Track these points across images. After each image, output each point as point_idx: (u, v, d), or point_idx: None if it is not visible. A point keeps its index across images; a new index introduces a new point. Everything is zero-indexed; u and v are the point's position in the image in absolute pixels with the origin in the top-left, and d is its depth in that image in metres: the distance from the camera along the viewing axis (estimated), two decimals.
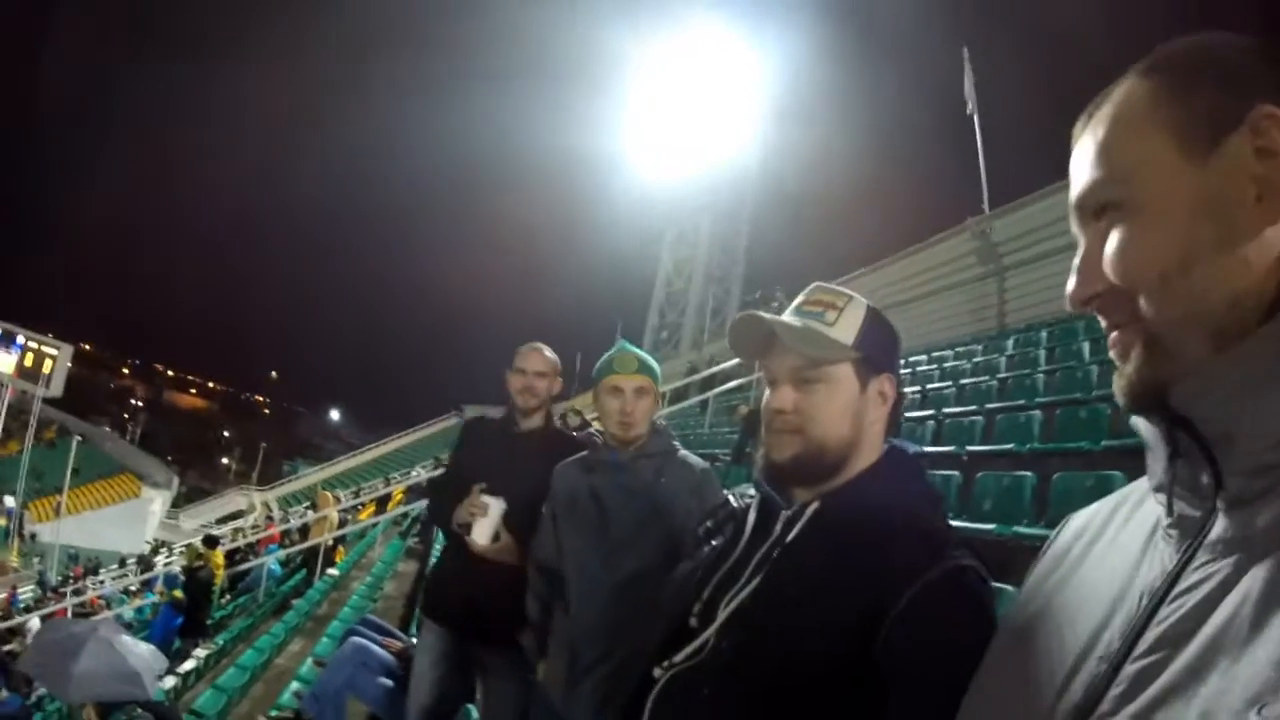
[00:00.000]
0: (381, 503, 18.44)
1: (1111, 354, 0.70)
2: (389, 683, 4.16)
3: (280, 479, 49.09)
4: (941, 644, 0.97)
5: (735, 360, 17.79)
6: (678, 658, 1.22)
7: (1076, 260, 0.71)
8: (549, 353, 3.12)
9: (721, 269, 41.51)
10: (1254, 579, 0.54)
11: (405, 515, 16.01)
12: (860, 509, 1.21)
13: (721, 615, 1.21)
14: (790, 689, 1.10)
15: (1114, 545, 0.76)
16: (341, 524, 14.13)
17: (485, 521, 2.69)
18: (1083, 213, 0.71)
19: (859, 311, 1.31)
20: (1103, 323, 0.71)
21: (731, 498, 1.48)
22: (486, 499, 2.74)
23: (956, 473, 5.97)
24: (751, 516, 1.34)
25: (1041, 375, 8.66)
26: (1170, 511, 0.67)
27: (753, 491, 1.40)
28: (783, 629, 1.14)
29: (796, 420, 1.26)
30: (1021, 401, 7.74)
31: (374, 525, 16.17)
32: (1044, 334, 11.62)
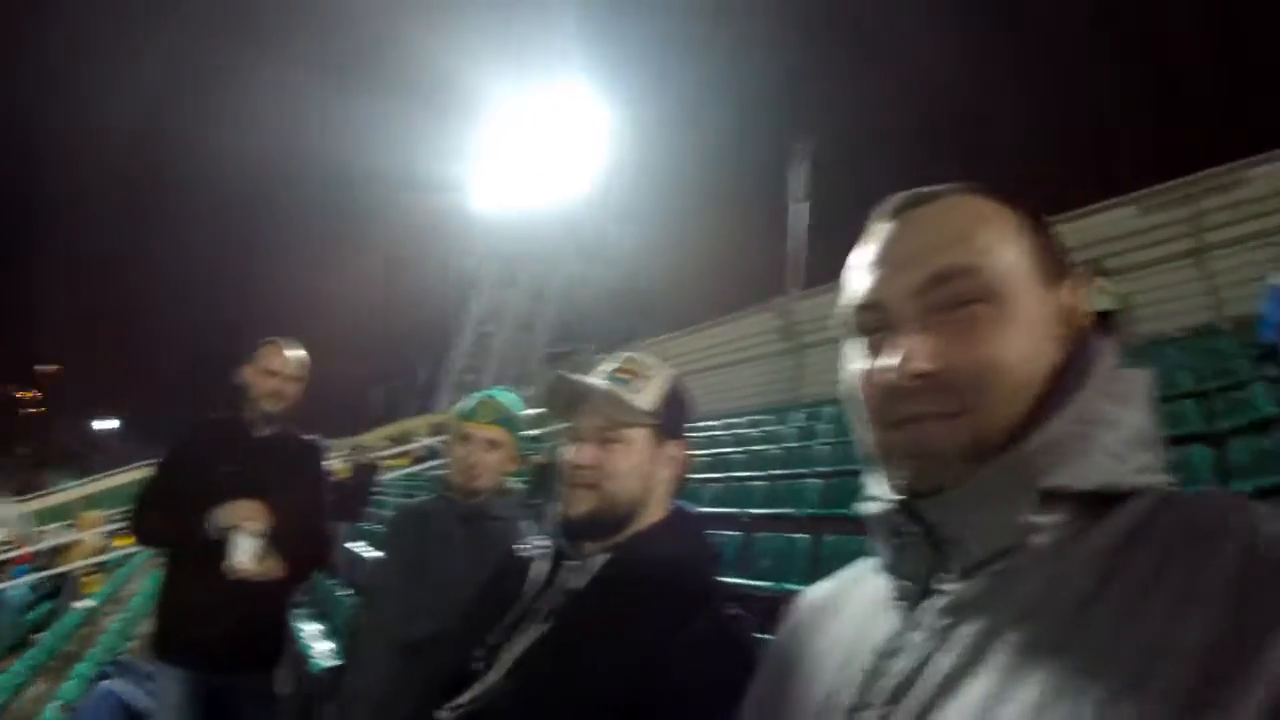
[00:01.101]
0: None
1: (903, 439, 0.72)
2: None
3: (38, 490, 44.46)
4: (703, 692, 1.04)
5: (532, 411, 17.84)
6: (462, 699, 1.25)
7: (912, 337, 0.71)
8: (302, 353, 2.90)
9: (533, 317, 41.60)
10: (963, 637, 0.65)
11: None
12: (642, 562, 1.31)
13: (506, 659, 1.26)
14: None
15: (843, 617, 0.84)
16: (100, 550, 12.88)
17: (251, 541, 2.47)
18: (930, 290, 0.72)
19: (663, 383, 1.43)
20: (910, 409, 0.71)
21: (525, 547, 1.55)
22: (241, 544, 2.49)
23: (738, 532, 6.19)
24: (544, 566, 1.40)
25: (824, 447, 9.14)
26: (895, 585, 0.76)
27: (546, 542, 1.47)
28: (562, 674, 1.19)
29: (594, 476, 1.34)
30: (802, 470, 8.10)
31: (135, 554, 14.70)
32: (829, 409, 12.21)
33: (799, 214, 19.08)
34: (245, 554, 2.45)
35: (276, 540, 2.52)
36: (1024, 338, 0.69)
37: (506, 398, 2.40)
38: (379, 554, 2.38)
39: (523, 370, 36.63)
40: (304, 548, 2.63)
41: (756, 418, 14.23)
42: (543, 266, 42.37)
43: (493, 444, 2.28)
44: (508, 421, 2.33)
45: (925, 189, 0.78)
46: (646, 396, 1.39)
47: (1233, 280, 11.60)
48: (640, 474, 1.38)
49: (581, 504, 1.34)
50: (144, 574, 13.18)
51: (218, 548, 2.49)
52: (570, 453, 1.38)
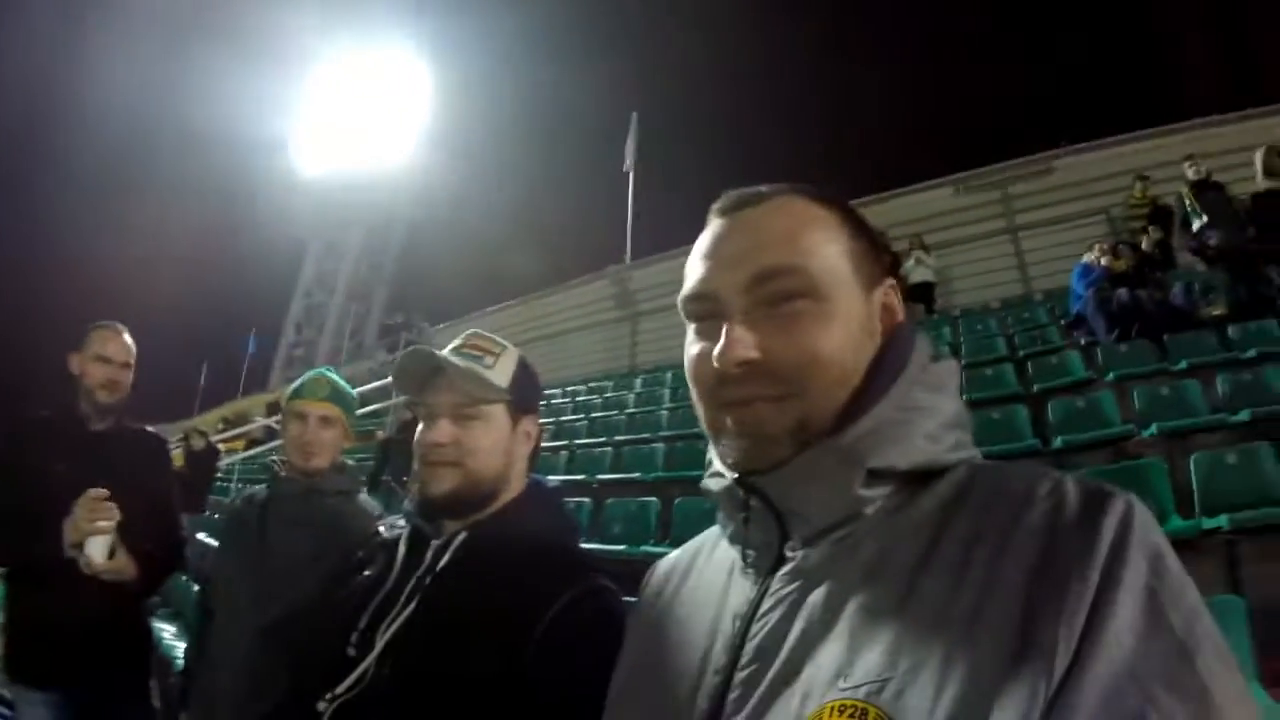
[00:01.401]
0: None
1: (733, 419, 0.78)
2: None
3: None
4: (581, 661, 1.02)
5: (372, 384, 17.35)
6: (340, 689, 1.21)
7: (737, 328, 0.76)
8: (129, 337, 2.69)
9: (366, 286, 40.12)
10: (816, 597, 0.72)
11: None
12: (505, 537, 1.31)
13: (379, 643, 1.23)
14: (451, 710, 1.13)
15: (700, 585, 0.90)
16: None
17: (102, 538, 2.26)
18: (757, 286, 0.77)
19: (512, 359, 1.44)
20: (736, 392, 0.77)
21: (382, 528, 1.52)
22: (91, 545, 2.26)
23: (588, 499, 6.30)
24: (402, 547, 1.37)
25: (665, 411, 9.34)
26: (744, 556, 0.82)
27: (402, 522, 1.44)
28: (438, 653, 1.17)
29: (455, 453, 1.32)
30: (647, 435, 8.29)
31: None
32: (669, 375, 12.47)
33: (629, 183, 19.13)
34: (97, 550, 2.25)
35: (127, 541, 2.32)
36: (843, 332, 0.76)
37: (337, 376, 2.37)
38: (217, 543, 2.25)
39: (357, 342, 35.54)
40: (157, 548, 2.46)
41: (597, 384, 14.35)
42: (374, 234, 40.94)
43: (327, 421, 2.24)
44: (340, 398, 2.30)
45: (755, 189, 0.84)
46: (500, 372, 1.39)
47: (1042, 258, 12.67)
48: (501, 450, 1.38)
49: (443, 482, 1.32)
50: None
51: (60, 559, 2.25)
52: (427, 431, 1.36)
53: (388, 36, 42.64)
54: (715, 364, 0.76)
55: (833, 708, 0.62)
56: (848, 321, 0.77)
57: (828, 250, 0.78)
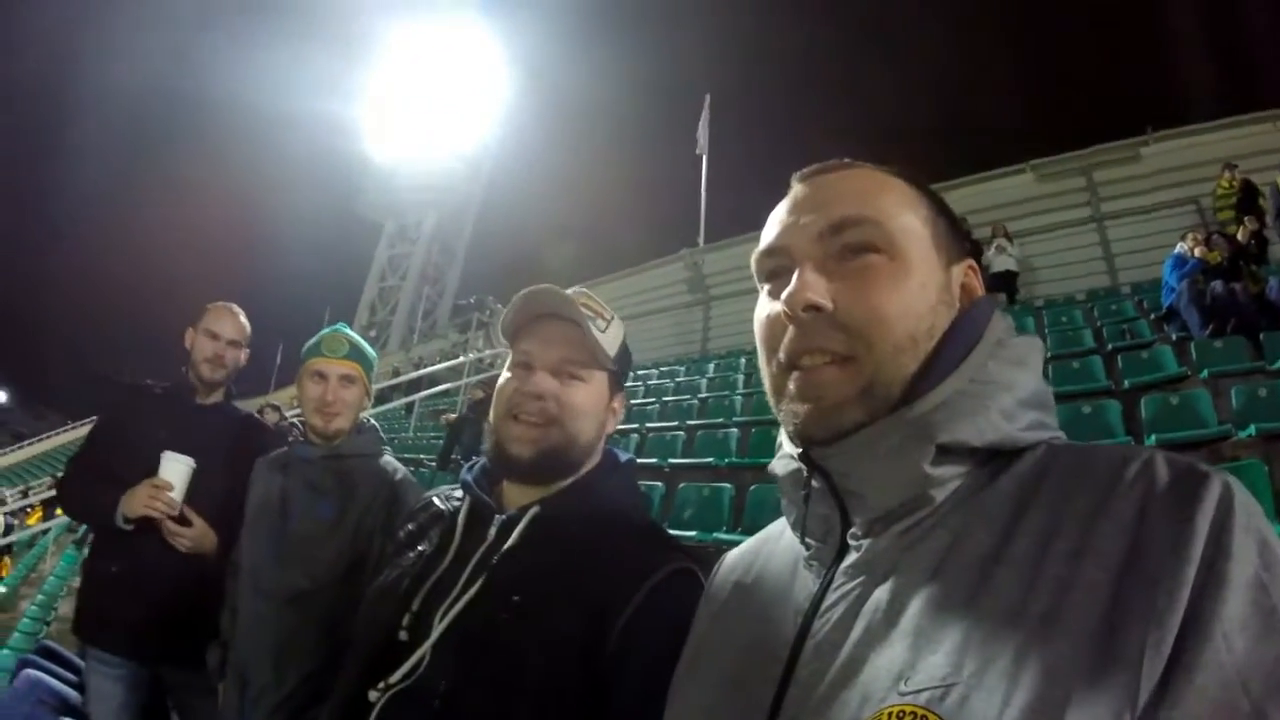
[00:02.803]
0: (50, 505, 15.98)
1: (795, 385, 0.75)
2: None
3: None
4: (670, 648, 0.93)
5: (444, 364, 17.55)
6: (394, 678, 1.10)
7: (809, 271, 0.74)
8: (243, 318, 2.71)
9: (438, 269, 40.80)
10: (881, 593, 0.67)
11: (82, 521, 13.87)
12: (582, 513, 1.20)
13: (438, 628, 1.12)
14: (520, 699, 1.03)
15: (765, 577, 0.86)
16: (7, 530, 12.03)
17: (173, 494, 2.33)
18: (832, 235, 0.75)
19: (621, 330, 1.33)
20: (796, 344, 0.74)
21: (437, 499, 1.39)
22: (170, 459, 2.36)
23: (660, 483, 6.23)
24: (461, 521, 1.25)
25: (739, 396, 9.28)
26: (806, 545, 0.79)
27: (460, 493, 1.32)
28: (507, 640, 1.07)
29: (554, 410, 1.21)
30: (720, 420, 8.20)
31: (44, 532, 13.58)
32: (742, 360, 12.43)
33: (702, 166, 19.06)
34: (175, 475, 2.34)
35: (209, 515, 2.40)
36: (916, 296, 0.73)
37: (353, 334, 2.28)
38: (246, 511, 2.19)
39: (430, 322, 36.04)
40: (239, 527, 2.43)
41: (669, 368, 14.32)
42: (446, 218, 41.48)
43: (348, 379, 2.17)
44: (360, 355, 2.23)
45: (839, 160, 0.83)
46: (609, 340, 1.27)
47: (1129, 249, 12.30)
48: (597, 421, 1.27)
49: (534, 440, 1.20)
50: (57, 553, 12.47)
51: (144, 523, 2.36)
52: (523, 382, 1.23)
53: (462, 21, 43.06)
54: (783, 308, 0.74)
55: (891, 713, 0.58)
56: (924, 286, 0.74)
57: (906, 214, 0.76)
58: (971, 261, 0.81)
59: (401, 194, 41.73)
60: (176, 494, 2.36)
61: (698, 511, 5.61)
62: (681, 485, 6.03)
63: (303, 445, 2.19)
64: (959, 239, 0.80)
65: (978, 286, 0.80)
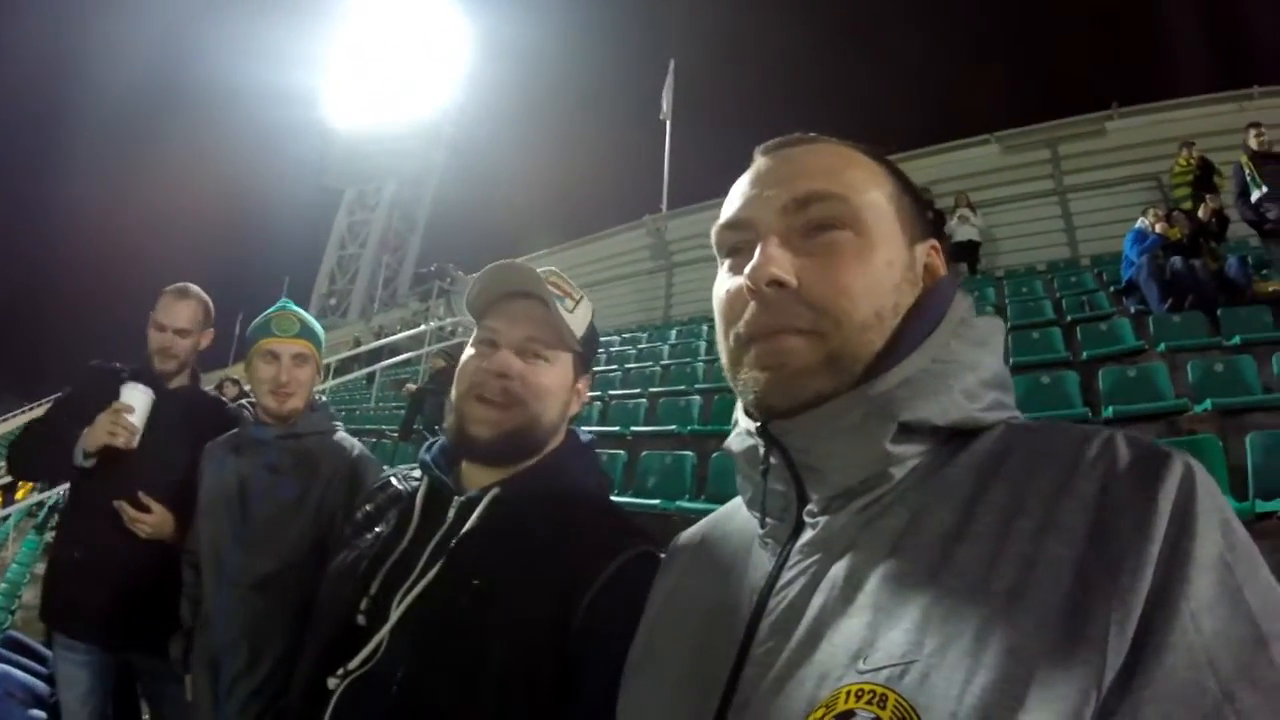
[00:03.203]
0: (7, 490, 15.58)
1: (755, 353, 0.73)
2: (40, 715, 3.43)
3: None
4: (635, 622, 0.91)
5: (405, 334, 17.41)
6: (352, 664, 1.08)
7: (773, 245, 0.72)
8: (195, 301, 2.60)
9: (399, 237, 40.52)
10: (837, 570, 0.66)
11: (41, 504, 13.68)
12: (544, 495, 1.17)
13: (396, 612, 1.09)
14: (481, 686, 1.01)
15: (718, 556, 0.85)
16: None
17: (133, 419, 2.31)
18: (797, 210, 0.74)
19: (588, 310, 1.30)
20: (760, 320, 0.72)
21: (394, 479, 1.36)
22: (130, 387, 2.35)
23: (622, 452, 6.24)
24: (419, 502, 1.22)
25: (701, 364, 9.30)
26: (763, 524, 0.78)
27: (418, 473, 1.29)
28: (468, 623, 1.05)
29: (518, 389, 1.18)
30: (682, 387, 8.22)
31: (3, 519, 13.40)
32: (705, 327, 12.45)
33: (665, 132, 19.03)
34: (136, 401, 2.33)
35: (168, 502, 2.36)
36: (882, 273, 0.72)
37: (302, 311, 2.24)
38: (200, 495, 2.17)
39: (391, 291, 35.77)
40: None
41: (631, 335, 14.35)
42: (406, 185, 41.12)
43: (301, 358, 2.15)
44: (311, 333, 2.20)
45: (803, 134, 0.81)
46: (578, 320, 1.25)
47: (1090, 221, 12.48)
48: (561, 402, 1.25)
49: (497, 421, 1.17)
50: (18, 540, 12.20)
51: (107, 509, 2.33)
52: (487, 361, 1.20)
53: None
54: (746, 282, 0.72)
55: (849, 692, 0.57)
56: (890, 264, 0.73)
57: (872, 190, 0.75)
58: (934, 241, 0.80)
59: (362, 161, 41.36)
60: (137, 419, 2.33)
61: (660, 480, 5.64)
62: (644, 453, 6.05)
63: (257, 426, 2.15)
64: (922, 218, 0.80)
65: (940, 266, 0.79)
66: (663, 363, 10.33)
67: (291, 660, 1.83)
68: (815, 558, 0.69)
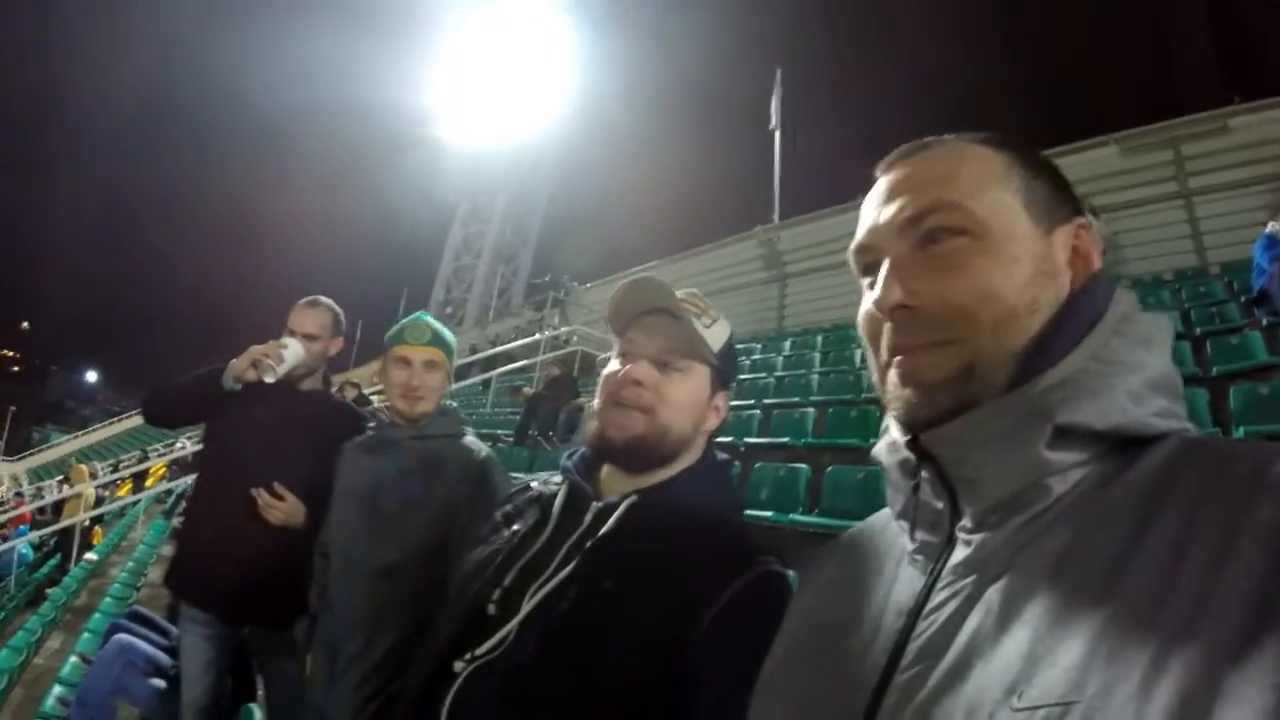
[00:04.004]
0: (139, 478, 16.51)
1: (896, 372, 0.73)
2: (160, 684, 3.64)
3: (30, 448, 42.68)
4: (753, 650, 0.92)
5: (520, 341, 17.72)
6: (480, 650, 1.14)
7: (887, 269, 0.74)
8: (324, 310, 2.80)
9: (512, 248, 41.17)
10: (993, 594, 0.63)
11: (169, 492, 14.18)
12: (677, 508, 1.22)
13: (526, 605, 1.15)
14: (601, 685, 1.05)
15: (866, 569, 0.82)
16: (98, 501, 12.41)
17: (282, 365, 2.56)
18: (912, 227, 0.74)
19: (726, 329, 1.35)
20: (895, 341, 0.74)
21: (535, 483, 1.43)
22: (287, 338, 2.61)
23: (735, 463, 6.13)
24: (558, 504, 1.29)
25: (816, 376, 9.22)
26: (913, 538, 0.75)
27: (559, 478, 1.36)
28: (594, 622, 1.09)
29: (651, 398, 1.24)
30: (797, 399, 8.18)
31: (134, 504, 13.93)
32: (819, 338, 12.33)
33: (775, 142, 18.87)
34: (290, 347, 2.56)
35: (299, 495, 2.55)
36: (1010, 270, 0.70)
37: (435, 321, 2.37)
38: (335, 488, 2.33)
39: (505, 300, 36.42)
40: (325, 512, 2.55)
41: (744, 346, 14.27)
42: (518, 198, 41.85)
43: (431, 364, 2.26)
44: (441, 342, 2.31)
45: (918, 141, 0.80)
46: (714, 335, 1.30)
47: (1219, 226, 11.64)
48: (695, 414, 1.29)
49: (631, 426, 1.23)
50: (146, 523, 13.00)
51: (238, 494, 2.53)
52: (625, 368, 1.26)
53: (531, 4, 43.23)
54: (873, 313, 0.74)
55: None
56: (1015, 258, 0.70)
57: (989, 188, 0.73)
58: (1082, 220, 0.76)
59: (475, 174, 42.28)
60: (285, 363, 2.56)
61: (773, 492, 5.59)
62: (757, 465, 6.00)
63: (389, 428, 2.29)
64: (1063, 200, 0.77)
65: (1091, 251, 0.75)
66: (777, 374, 10.23)
67: (404, 648, 2.00)
68: (970, 579, 0.66)
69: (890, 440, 0.79)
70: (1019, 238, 0.71)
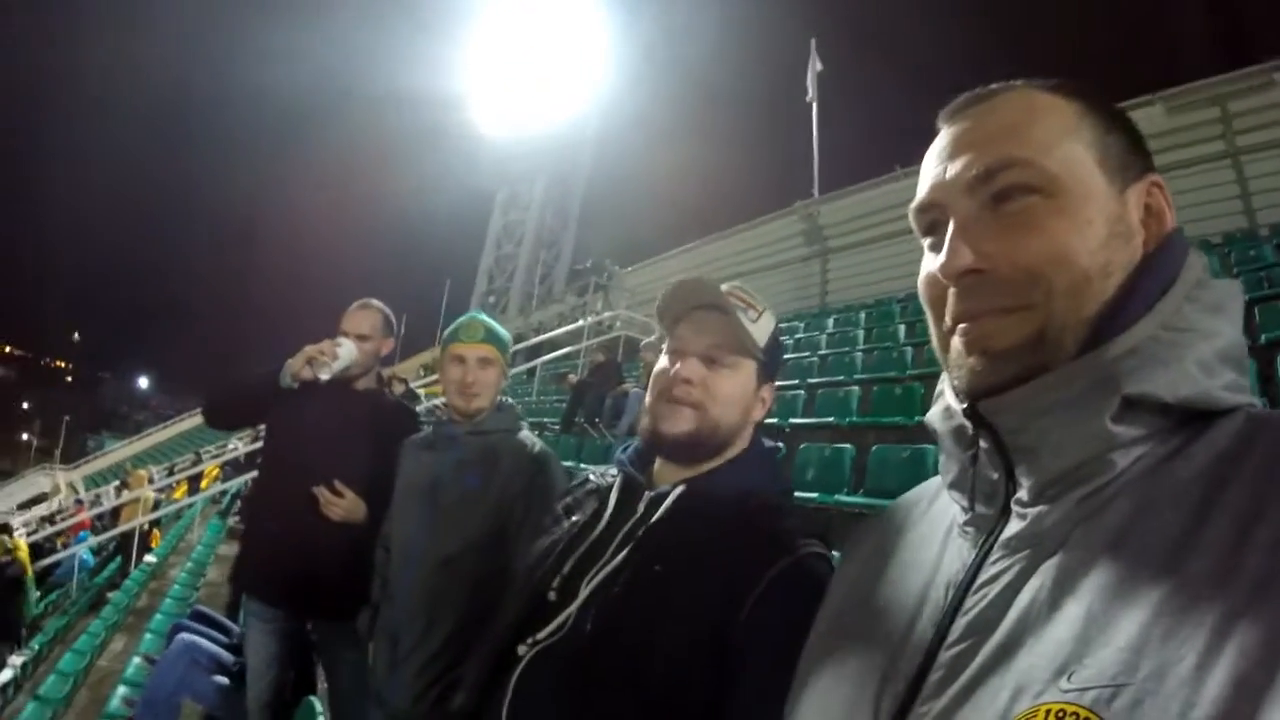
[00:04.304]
0: (194, 480, 16.87)
1: (961, 339, 0.71)
2: (224, 680, 3.72)
3: (85, 455, 43.45)
4: (793, 631, 0.95)
5: (564, 329, 17.78)
6: (540, 635, 1.20)
7: (961, 231, 0.70)
8: (375, 312, 2.89)
9: (552, 234, 41.24)
10: (1046, 571, 0.60)
11: (224, 493, 14.57)
12: (725, 495, 1.25)
13: (584, 591, 1.20)
14: (652, 665, 1.09)
15: (915, 540, 0.81)
16: (156, 505, 12.57)
17: (337, 363, 2.64)
18: (981, 185, 0.70)
19: (771, 322, 1.38)
20: (962, 307, 0.71)
21: (592, 475, 1.48)
22: (342, 339, 2.70)
23: (780, 444, 6.09)
24: (614, 495, 1.34)
25: (860, 353, 9.16)
26: (966, 509, 0.73)
27: (615, 471, 1.41)
28: (645, 605, 1.14)
29: (700, 395, 1.28)
30: (841, 377, 8.13)
31: (190, 505, 14.36)
32: (862, 315, 12.27)
33: (812, 115, 18.68)
34: (344, 346, 2.64)
35: (357, 491, 2.63)
36: (1085, 232, 0.66)
37: (488, 319, 2.43)
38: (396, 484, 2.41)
39: (547, 287, 36.56)
40: (382, 508, 2.62)
41: (787, 324, 14.18)
42: (556, 183, 41.88)
43: (485, 361, 2.31)
44: (495, 339, 2.36)
45: (983, 89, 0.76)
46: (759, 330, 1.33)
47: (1269, 186, 11.34)
48: (742, 407, 1.33)
49: (681, 421, 1.28)
50: (202, 524, 13.33)
51: (299, 492, 2.61)
52: (674, 365, 1.31)
53: None
54: (939, 277, 0.71)
55: (1049, 711, 0.52)
56: (1089, 220, 0.66)
57: (1064, 142, 0.69)
58: (1155, 177, 0.72)
59: (512, 161, 42.34)
60: (340, 361, 2.65)
61: (819, 472, 5.58)
62: (802, 446, 6.00)
63: (448, 425, 2.36)
64: (1137, 155, 0.72)
65: (1166, 210, 0.71)
66: (820, 353, 10.17)
67: (463, 637, 2.07)
68: (1024, 553, 0.64)
69: (945, 406, 0.76)
70: (1094, 196, 0.68)
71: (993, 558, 0.66)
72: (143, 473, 14.38)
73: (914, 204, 0.77)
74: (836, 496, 4.87)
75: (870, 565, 0.85)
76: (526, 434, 2.40)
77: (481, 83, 45.28)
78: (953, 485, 0.76)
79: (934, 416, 0.78)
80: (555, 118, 42.01)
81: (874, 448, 5.38)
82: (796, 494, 4.96)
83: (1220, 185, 11.88)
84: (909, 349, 8.15)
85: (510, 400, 2.48)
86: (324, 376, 2.62)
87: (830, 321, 13.04)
